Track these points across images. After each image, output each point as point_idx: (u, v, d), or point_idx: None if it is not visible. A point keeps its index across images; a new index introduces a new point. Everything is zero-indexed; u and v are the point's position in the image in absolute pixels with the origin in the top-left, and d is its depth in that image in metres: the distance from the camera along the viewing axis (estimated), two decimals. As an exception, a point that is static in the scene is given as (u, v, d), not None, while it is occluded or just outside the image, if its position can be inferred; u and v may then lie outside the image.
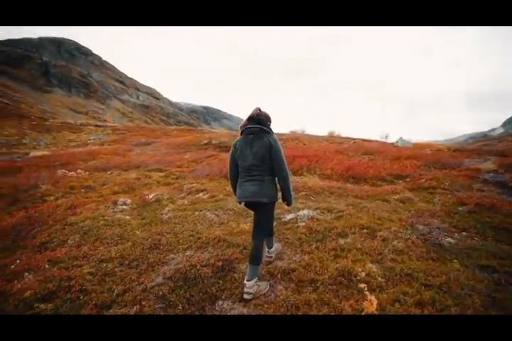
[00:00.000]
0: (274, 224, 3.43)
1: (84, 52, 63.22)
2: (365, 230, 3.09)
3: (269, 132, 2.23)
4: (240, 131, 2.30)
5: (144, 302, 1.97)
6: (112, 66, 70.45)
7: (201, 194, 5.36)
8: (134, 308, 1.94)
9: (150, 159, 11.06)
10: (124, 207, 4.63)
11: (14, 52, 49.53)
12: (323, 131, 19.93)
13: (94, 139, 23.89)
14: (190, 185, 6.17)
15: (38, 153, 13.61)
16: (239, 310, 1.91)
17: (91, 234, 3.30)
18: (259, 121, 2.20)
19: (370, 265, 2.37)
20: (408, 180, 5.88)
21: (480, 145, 35.48)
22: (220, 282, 2.20)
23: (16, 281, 2.26)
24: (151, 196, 5.23)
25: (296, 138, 16.38)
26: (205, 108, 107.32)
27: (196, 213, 3.97)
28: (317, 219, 3.51)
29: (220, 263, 2.42)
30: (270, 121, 2.34)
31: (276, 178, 2.21)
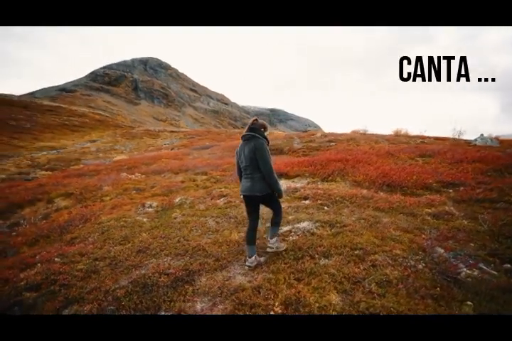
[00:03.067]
0: (265, 235, 3.32)
1: (165, 67, 72.39)
2: (356, 251, 2.69)
3: (259, 137, 2.62)
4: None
5: (95, 303, 2.18)
6: (187, 76, 78.57)
7: (222, 199, 5.52)
8: (88, 306, 2.16)
9: (201, 163, 11.87)
10: (150, 209, 5.14)
11: (114, 74, 60.28)
12: (392, 130, 17.79)
13: (167, 144, 26.91)
14: (219, 190, 6.41)
15: (119, 158, 16.25)
16: (168, 324, 1.93)
17: (106, 234, 3.80)
18: (252, 129, 2.65)
19: (332, 296, 2.05)
20: (461, 189, 4.81)
21: None
22: (170, 293, 2.26)
23: (28, 270, 2.80)
24: (177, 200, 5.67)
25: (352, 138, 15.23)
26: (271, 110, 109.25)
27: (201, 219, 4.12)
28: (312, 234, 3.22)
29: (181, 274, 2.48)
30: (264, 128, 2.76)
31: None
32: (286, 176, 6.59)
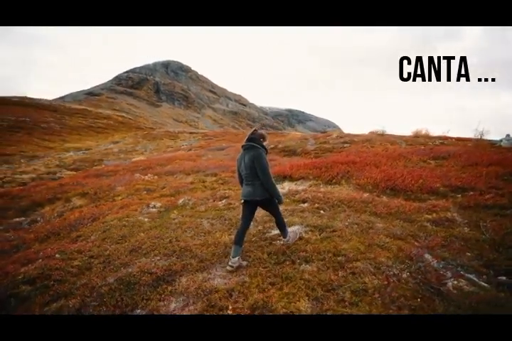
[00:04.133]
0: (254, 239, 3.36)
1: (185, 70, 74.33)
2: (339, 257, 2.65)
3: (258, 147, 2.82)
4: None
5: (80, 298, 2.32)
6: (206, 78, 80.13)
7: (224, 200, 5.61)
8: (74, 301, 2.31)
9: (214, 164, 12.04)
10: (153, 209, 5.34)
11: (137, 77, 62.81)
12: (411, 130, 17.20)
13: (186, 145, 27.47)
14: (223, 191, 6.52)
15: (137, 159, 16.91)
16: (139, 322, 2.02)
17: (107, 233, 4.00)
18: (251, 139, 2.86)
19: (302, 302, 2.04)
20: (471, 193, 4.55)
21: None
22: (149, 292, 2.36)
23: (29, 265, 3.03)
24: (180, 201, 5.83)
25: (368, 139, 14.90)
26: (289, 111, 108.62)
27: (197, 220, 4.23)
28: (300, 238, 3.21)
29: (163, 273, 2.57)
30: (263, 138, 2.94)
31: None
32: (290, 178, 6.56)
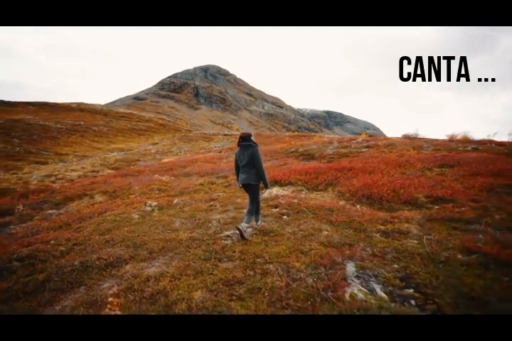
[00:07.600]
0: (206, 238, 3.77)
1: (223, 73, 77.12)
2: (258, 259, 2.94)
3: (253, 145, 3.86)
4: (237, 145, 4.01)
5: (46, 274, 2.98)
6: (244, 81, 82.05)
7: (211, 202, 6.10)
8: (41, 275, 2.97)
9: (230, 166, 12.59)
10: (148, 208, 6.04)
11: (179, 82, 67.00)
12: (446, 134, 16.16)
13: (218, 147, 28.69)
14: (216, 194, 7.02)
15: (165, 160, 18.38)
16: (74, 295, 2.59)
17: (99, 225, 4.75)
18: (246, 139, 3.88)
19: (198, 292, 2.41)
20: (451, 205, 4.37)
21: None
22: (95, 273, 2.93)
23: (28, 247, 3.84)
24: (175, 201, 6.47)
25: (391, 143, 14.26)
26: (327, 112, 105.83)
27: (173, 219, 4.78)
28: (245, 240, 3.55)
29: (112, 260, 3.14)
30: (251, 136, 3.94)
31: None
32: (280, 184, 6.80)
